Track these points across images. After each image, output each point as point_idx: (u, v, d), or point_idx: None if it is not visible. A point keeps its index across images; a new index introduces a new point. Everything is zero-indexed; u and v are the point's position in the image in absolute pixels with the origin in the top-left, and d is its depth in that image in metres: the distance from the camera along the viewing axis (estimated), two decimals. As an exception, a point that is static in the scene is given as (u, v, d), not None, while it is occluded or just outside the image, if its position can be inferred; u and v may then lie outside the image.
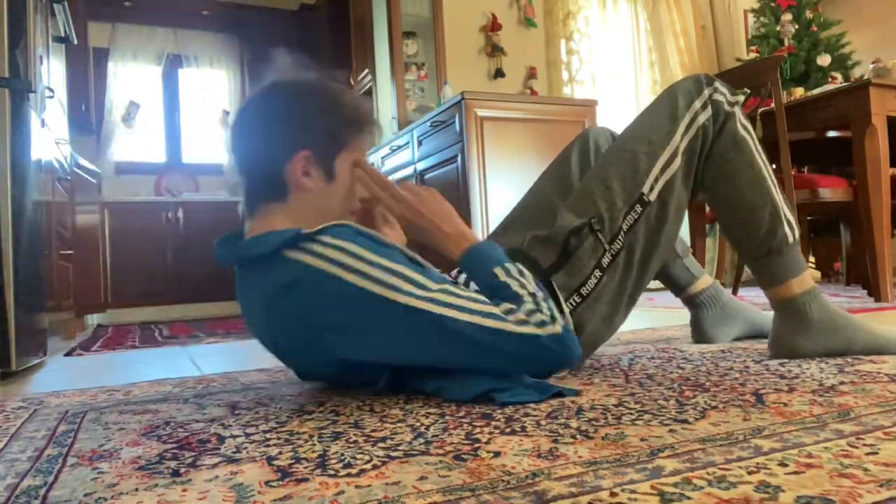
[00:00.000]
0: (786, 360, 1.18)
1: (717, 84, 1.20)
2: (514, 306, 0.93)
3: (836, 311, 1.21)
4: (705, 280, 1.47)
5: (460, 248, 1.02)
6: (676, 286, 1.48)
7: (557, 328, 0.92)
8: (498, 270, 0.98)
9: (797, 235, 1.22)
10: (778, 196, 1.21)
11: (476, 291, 1.00)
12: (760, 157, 1.21)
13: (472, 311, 0.90)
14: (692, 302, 1.48)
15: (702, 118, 1.17)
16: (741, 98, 1.24)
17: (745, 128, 1.21)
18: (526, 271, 1.00)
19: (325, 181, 1.03)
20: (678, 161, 1.15)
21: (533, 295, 0.95)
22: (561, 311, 0.98)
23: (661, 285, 1.52)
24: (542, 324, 0.92)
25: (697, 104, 1.17)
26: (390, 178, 3.59)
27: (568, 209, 1.15)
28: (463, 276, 1.17)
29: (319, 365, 1.05)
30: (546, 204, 1.33)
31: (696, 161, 1.18)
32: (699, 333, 1.48)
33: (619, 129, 1.36)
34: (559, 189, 1.34)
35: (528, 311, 0.92)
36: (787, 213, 1.21)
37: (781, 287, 1.21)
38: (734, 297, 1.52)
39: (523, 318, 0.91)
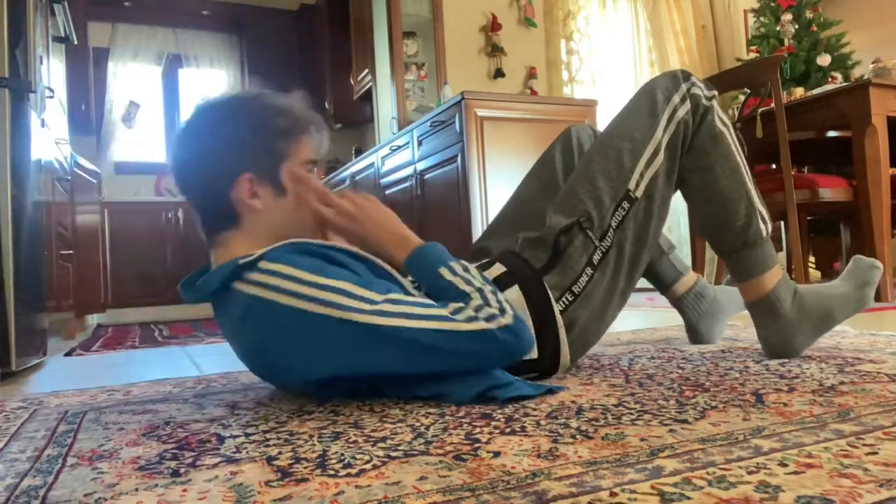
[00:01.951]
0: (786, 360, 1.18)
1: (694, 79, 1.21)
2: (461, 304, 0.92)
3: (804, 294, 1.23)
4: (690, 277, 1.47)
5: (404, 252, 1.02)
6: (662, 283, 1.47)
7: (507, 319, 0.92)
8: (443, 271, 0.97)
9: (770, 230, 1.24)
10: (753, 190, 1.23)
11: (426, 294, 1.01)
12: (737, 150, 1.23)
13: (419, 317, 0.90)
14: (679, 306, 1.48)
15: (681, 112, 1.18)
16: (716, 92, 1.24)
17: (722, 121, 1.22)
18: (471, 267, 1.00)
19: (274, 197, 1.01)
20: (661, 156, 1.16)
21: (480, 290, 0.95)
22: (509, 305, 0.97)
23: (649, 281, 1.51)
24: (491, 318, 0.91)
25: (676, 98, 1.18)
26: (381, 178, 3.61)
27: (556, 210, 1.15)
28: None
29: (298, 385, 1.05)
30: (533, 205, 1.33)
31: (678, 155, 1.19)
32: (693, 336, 1.48)
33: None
34: (545, 189, 1.34)
35: (476, 307, 0.92)
36: (761, 207, 1.23)
37: (756, 281, 1.22)
38: (718, 287, 1.51)
39: (472, 314, 0.91)
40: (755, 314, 1.25)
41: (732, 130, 1.24)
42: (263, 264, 0.92)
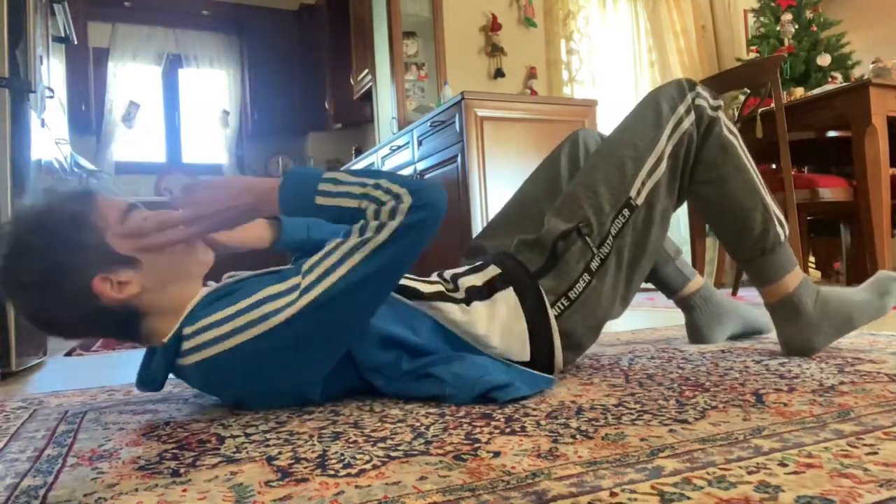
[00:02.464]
0: (786, 360, 1.18)
1: (700, 89, 1.21)
2: (361, 222, 0.89)
3: (827, 295, 1.24)
4: (697, 281, 1.48)
5: (273, 202, 0.91)
6: (669, 288, 1.48)
7: (406, 199, 0.87)
8: (320, 200, 0.90)
9: (787, 232, 1.24)
10: (767, 196, 1.23)
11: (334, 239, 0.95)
12: (748, 159, 1.23)
13: (339, 264, 0.86)
14: (685, 304, 1.49)
15: (686, 124, 1.18)
16: (722, 102, 1.24)
17: (730, 132, 1.22)
18: (339, 175, 0.92)
19: (136, 270, 0.91)
20: (664, 166, 1.16)
21: (364, 195, 0.89)
22: (397, 183, 0.90)
23: (655, 287, 1.52)
24: (393, 212, 0.87)
25: (681, 109, 1.18)
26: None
27: (555, 214, 1.14)
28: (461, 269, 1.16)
29: (298, 400, 1.00)
30: (534, 206, 1.33)
31: (680, 166, 1.19)
32: (695, 335, 1.48)
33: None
34: (548, 191, 1.34)
35: (374, 214, 0.88)
36: (776, 211, 1.23)
37: (777, 284, 1.23)
38: (726, 296, 1.52)
39: (375, 223, 0.87)
40: (777, 315, 1.26)
41: (740, 138, 1.24)
42: (185, 331, 0.90)
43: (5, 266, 0.89)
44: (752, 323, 1.52)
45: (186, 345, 0.90)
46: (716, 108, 1.21)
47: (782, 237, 1.22)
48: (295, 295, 0.86)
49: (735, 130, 1.24)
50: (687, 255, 4.03)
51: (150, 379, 0.96)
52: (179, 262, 0.96)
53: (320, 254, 0.89)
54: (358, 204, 0.89)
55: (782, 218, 1.24)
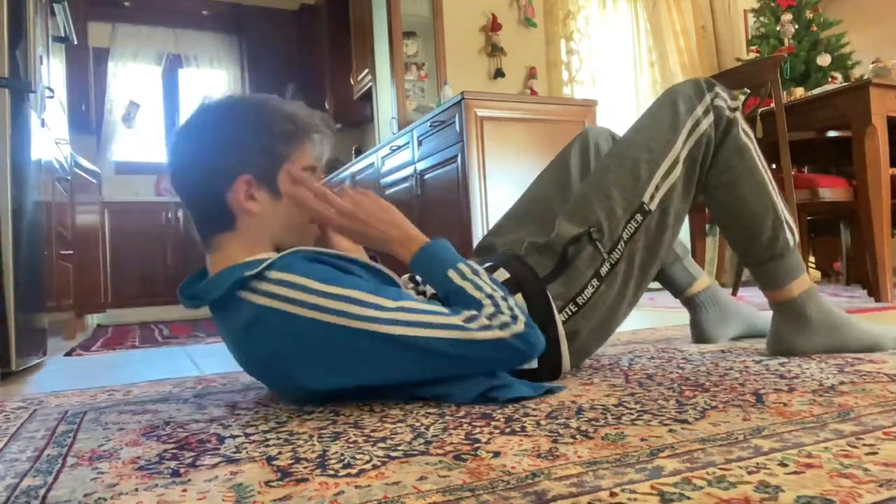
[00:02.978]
0: (786, 360, 1.18)
1: (718, 89, 1.19)
2: (474, 312, 0.91)
3: (832, 309, 1.24)
4: (703, 281, 1.48)
5: (410, 252, 0.99)
6: (675, 288, 1.48)
7: (521, 326, 0.91)
8: (452, 274, 0.95)
9: (797, 238, 1.23)
10: (779, 201, 1.22)
11: (433, 297, 1.01)
12: (761, 162, 1.22)
13: (433, 326, 0.89)
14: (691, 303, 1.49)
15: (704, 125, 1.16)
16: (740, 102, 1.23)
17: (746, 134, 1.21)
18: (480, 269, 0.98)
19: (271, 200, 0.98)
20: (679, 169, 1.14)
21: (491, 296, 0.93)
22: (520, 309, 0.96)
23: (661, 285, 1.52)
24: (504, 326, 0.90)
25: (699, 111, 1.16)
26: (379, 180, 3.61)
27: (566, 218, 1.13)
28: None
29: (304, 394, 1.02)
30: (544, 205, 1.32)
31: (697, 169, 1.17)
32: (699, 333, 1.48)
33: (618, 130, 1.35)
34: (558, 190, 1.33)
35: (489, 315, 0.91)
36: (787, 217, 1.22)
37: (783, 290, 1.22)
38: (732, 297, 1.52)
39: (486, 322, 0.90)
40: (779, 312, 1.25)
41: (755, 139, 1.23)
42: (273, 273, 0.91)
43: (207, 108, 1.00)
44: (756, 326, 1.52)
45: (266, 286, 0.90)
46: (734, 109, 1.19)
47: (791, 243, 1.21)
48: (381, 315, 0.88)
49: (750, 132, 1.22)
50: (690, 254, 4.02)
51: (205, 292, 0.97)
52: (298, 229, 1.02)
53: (425, 305, 0.92)
54: (481, 298, 0.93)
55: (792, 223, 1.23)
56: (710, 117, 1.17)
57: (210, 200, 0.98)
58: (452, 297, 0.95)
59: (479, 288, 0.94)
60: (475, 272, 0.97)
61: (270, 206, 0.98)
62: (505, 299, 0.94)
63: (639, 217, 1.12)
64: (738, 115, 1.20)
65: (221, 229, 0.99)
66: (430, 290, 1.09)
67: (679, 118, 1.15)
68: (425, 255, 0.99)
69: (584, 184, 1.18)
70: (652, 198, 1.13)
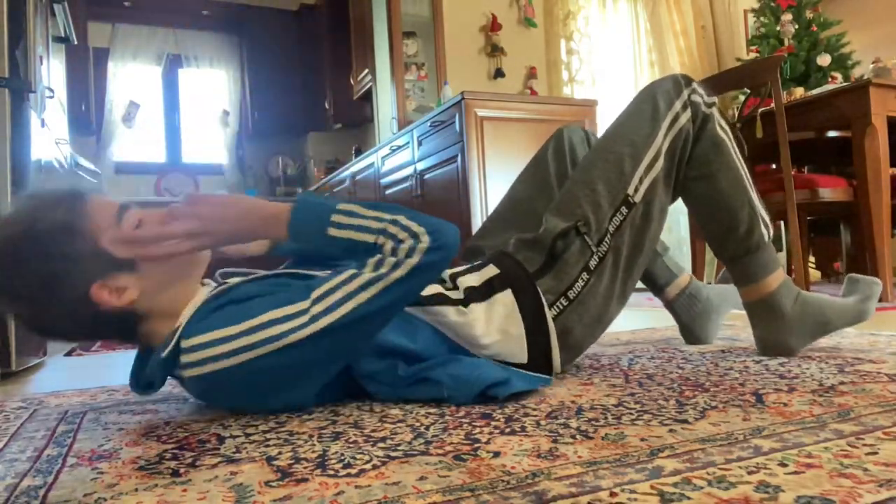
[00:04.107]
0: (785, 360, 1.18)
1: (695, 85, 1.22)
2: (378, 256, 0.88)
3: (806, 297, 1.25)
4: (684, 278, 1.48)
5: (282, 229, 0.91)
6: (656, 285, 1.48)
7: (424, 240, 0.88)
8: (332, 231, 0.89)
9: (772, 233, 1.25)
10: (754, 195, 1.24)
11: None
12: (738, 157, 1.24)
13: (352, 295, 0.86)
14: (671, 308, 1.49)
15: (682, 119, 1.18)
16: (716, 100, 1.24)
17: (722, 129, 1.23)
18: (354, 207, 0.91)
19: (134, 275, 0.90)
20: (661, 162, 1.16)
21: (382, 231, 0.89)
22: (415, 221, 0.90)
23: (642, 282, 1.51)
24: (411, 251, 0.87)
25: (678, 105, 1.18)
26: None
27: (553, 213, 1.14)
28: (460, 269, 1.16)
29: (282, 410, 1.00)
30: (527, 205, 1.33)
31: (676, 162, 1.19)
32: (690, 336, 1.49)
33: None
34: (538, 189, 1.34)
35: (392, 251, 0.87)
36: (762, 212, 1.24)
37: (759, 284, 1.24)
38: (711, 287, 1.51)
39: (393, 260, 0.87)
40: (754, 313, 1.26)
41: (732, 135, 1.24)
42: (184, 344, 0.87)
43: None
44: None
45: (185, 358, 0.87)
46: (710, 105, 1.22)
47: (766, 237, 1.23)
48: (303, 319, 0.85)
49: (727, 127, 1.24)
50: (687, 256, 4.03)
51: (145, 383, 0.94)
52: (177, 265, 0.94)
53: (332, 282, 0.88)
54: (374, 239, 0.89)
55: (767, 218, 1.25)
56: (688, 112, 1.19)
57: (99, 325, 0.92)
58: (351, 252, 0.91)
59: (367, 230, 0.89)
60: (351, 214, 0.90)
61: (140, 278, 0.91)
62: (395, 222, 0.89)
63: (624, 210, 1.13)
64: (714, 110, 1.22)
65: (135, 327, 0.94)
66: (461, 281, 1.09)
67: (659, 112, 1.17)
68: (296, 226, 0.91)
69: (570, 180, 1.19)
70: (636, 190, 1.14)
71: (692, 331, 1.48)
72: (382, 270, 0.87)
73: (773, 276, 1.23)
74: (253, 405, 0.97)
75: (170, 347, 0.87)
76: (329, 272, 0.94)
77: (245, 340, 0.85)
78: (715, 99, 1.24)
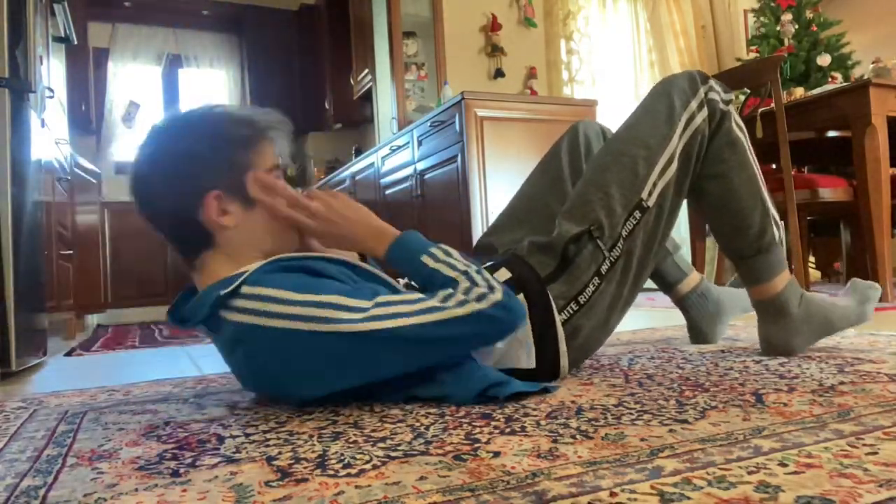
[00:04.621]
0: (785, 360, 1.18)
1: (712, 82, 1.20)
2: (450, 290, 0.91)
3: (811, 298, 1.25)
4: (694, 277, 1.48)
5: (382, 246, 1.00)
6: (666, 283, 1.47)
7: (498, 295, 0.91)
8: (424, 259, 0.96)
9: (782, 234, 1.25)
10: (767, 195, 1.23)
11: (411, 286, 1.02)
12: (752, 156, 1.23)
13: (412, 314, 0.88)
14: (682, 304, 1.48)
15: (698, 119, 1.16)
16: (733, 96, 1.24)
17: (739, 127, 1.22)
18: (451, 250, 0.99)
19: (245, 211, 0.97)
20: (675, 164, 1.15)
21: (465, 272, 0.94)
22: (497, 281, 0.95)
23: (652, 281, 1.51)
24: (481, 297, 0.90)
25: (694, 104, 1.17)
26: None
27: (566, 216, 1.13)
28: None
29: (297, 400, 1.01)
30: (540, 202, 1.32)
31: (692, 163, 1.17)
32: (696, 335, 1.48)
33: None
34: (551, 186, 1.34)
35: (465, 290, 0.91)
36: (774, 212, 1.24)
37: (767, 285, 1.24)
38: (721, 288, 1.51)
39: (462, 298, 0.90)
40: (762, 312, 1.26)
41: (747, 133, 1.24)
42: (245, 289, 0.90)
43: (158, 130, 0.98)
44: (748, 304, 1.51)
45: (241, 303, 0.90)
46: (727, 102, 1.20)
47: (777, 237, 1.23)
48: (359, 316, 0.87)
49: (743, 126, 1.23)
50: (687, 255, 4.01)
51: (181, 317, 0.97)
52: (279, 232, 1.01)
53: (399, 296, 0.91)
54: (455, 276, 0.94)
55: (778, 219, 1.25)
56: (705, 111, 1.17)
57: (183, 224, 0.97)
58: (428, 282, 0.96)
59: (452, 267, 0.95)
60: (447, 253, 0.98)
61: (245, 216, 0.97)
62: (479, 272, 0.95)
63: (637, 214, 1.12)
64: (732, 108, 1.21)
65: (202, 249, 0.98)
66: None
67: (674, 112, 1.15)
68: (398, 247, 0.99)
69: (583, 181, 1.18)
70: (650, 194, 1.13)
71: (700, 330, 1.47)
72: (448, 304, 0.90)
73: (781, 276, 1.23)
74: (261, 378, 0.97)
75: (231, 287, 0.90)
76: (396, 279, 1.01)
77: (301, 310, 0.87)
78: (732, 96, 1.21)
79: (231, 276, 0.93)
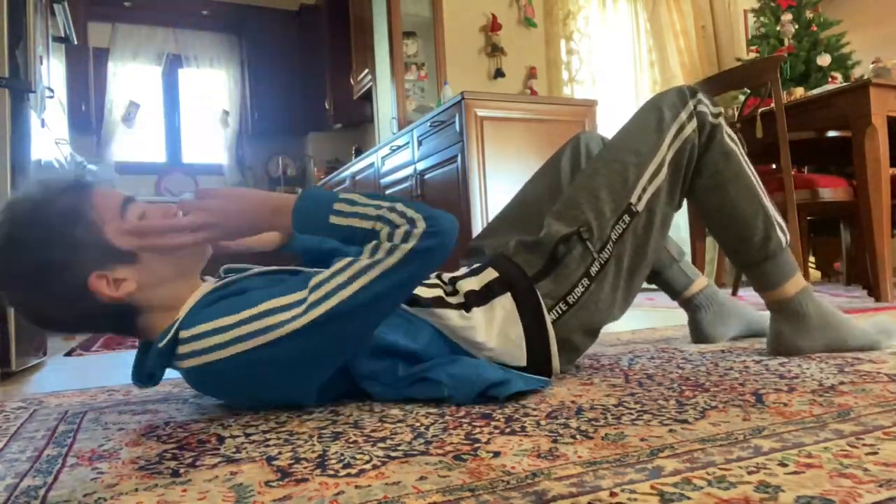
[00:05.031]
0: (785, 360, 1.18)
1: (701, 96, 1.21)
2: (374, 242, 0.88)
3: (829, 308, 1.25)
4: (701, 282, 1.48)
5: (287, 221, 0.92)
6: (673, 290, 1.48)
7: (420, 225, 0.87)
8: (334, 219, 0.90)
9: (788, 238, 1.25)
10: (768, 202, 1.23)
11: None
12: (748, 166, 1.24)
13: (348, 283, 0.85)
14: (689, 304, 1.49)
15: (688, 129, 1.18)
16: (721, 109, 1.24)
17: (731, 139, 1.23)
18: (355, 196, 0.92)
19: (134, 267, 0.90)
20: (664, 172, 1.16)
21: (379, 217, 0.89)
22: (412, 208, 0.90)
23: (660, 288, 1.52)
24: (407, 236, 0.87)
25: (683, 116, 1.18)
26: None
27: (555, 217, 1.14)
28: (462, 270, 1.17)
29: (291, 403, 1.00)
30: (534, 208, 1.33)
31: (682, 173, 1.19)
32: (698, 334, 1.48)
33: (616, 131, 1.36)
34: (548, 193, 1.34)
35: (388, 236, 0.88)
36: (777, 218, 1.24)
37: (778, 290, 1.24)
38: (731, 297, 1.53)
39: (388, 245, 0.87)
40: (776, 312, 1.26)
41: (740, 144, 1.24)
42: (182, 334, 0.88)
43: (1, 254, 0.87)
44: (754, 325, 1.53)
45: (183, 349, 0.88)
46: (717, 115, 1.22)
47: (783, 242, 1.23)
48: (300, 309, 0.85)
49: (735, 137, 1.25)
50: (687, 256, 4.00)
51: (146, 375, 0.94)
52: (179, 259, 0.95)
53: (329, 271, 0.88)
54: (372, 225, 0.89)
55: (783, 224, 1.24)
56: (694, 122, 1.18)
57: (95, 318, 0.92)
58: (350, 240, 0.92)
59: (365, 217, 0.90)
60: (352, 202, 0.91)
61: (139, 271, 0.91)
62: (392, 209, 0.89)
63: (626, 218, 1.13)
64: (721, 120, 1.22)
65: (132, 320, 0.94)
66: (461, 285, 1.09)
67: (664, 122, 1.17)
68: (300, 215, 0.92)
69: (573, 185, 1.19)
70: (639, 199, 1.14)
71: (703, 329, 1.48)
72: (378, 256, 0.87)
73: (793, 280, 1.23)
74: (249, 399, 0.97)
75: (168, 338, 0.87)
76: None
77: (242, 330, 0.85)
78: (721, 109, 1.24)
79: (166, 328, 0.90)
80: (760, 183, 1.24)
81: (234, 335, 0.85)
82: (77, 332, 0.96)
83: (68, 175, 0.95)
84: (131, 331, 0.96)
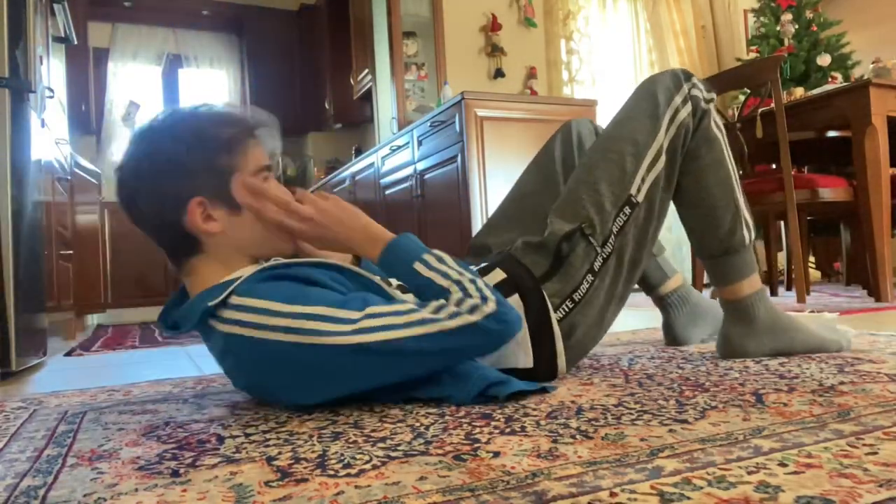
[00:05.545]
0: (785, 360, 1.18)
1: (695, 80, 1.21)
2: (442, 301, 0.90)
3: (780, 312, 1.25)
4: (677, 279, 1.48)
5: (376, 250, 0.97)
6: (648, 284, 1.48)
7: (491, 306, 0.89)
8: (417, 266, 0.94)
9: (753, 237, 1.24)
10: (740, 197, 1.23)
11: (401, 288, 1.01)
12: (729, 157, 1.23)
13: (402, 326, 0.87)
14: (662, 303, 1.49)
15: (683, 114, 1.17)
16: (714, 96, 1.24)
17: (717, 126, 1.22)
18: (446, 257, 0.96)
19: (231, 216, 0.95)
20: (663, 159, 1.16)
21: (458, 282, 0.92)
22: (489, 290, 0.93)
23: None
24: (474, 309, 0.88)
25: (678, 100, 1.17)
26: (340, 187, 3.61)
27: (557, 214, 1.14)
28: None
29: (287, 403, 1.01)
30: (534, 201, 1.32)
31: (678, 158, 1.18)
32: (671, 336, 1.49)
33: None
34: (544, 184, 1.34)
35: (457, 301, 0.89)
36: (747, 215, 1.23)
37: (733, 287, 1.24)
38: (703, 296, 1.52)
39: (454, 310, 0.88)
40: (728, 312, 1.26)
41: (725, 134, 1.24)
42: (234, 299, 0.89)
43: (142, 135, 0.95)
44: None
45: (229, 314, 0.89)
46: (708, 101, 1.21)
47: (747, 240, 1.22)
48: (348, 328, 0.86)
49: (721, 126, 1.24)
50: (687, 256, 4.02)
51: (172, 322, 0.96)
52: (267, 238, 0.98)
53: (390, 307, 0.89)
54: (448, 285, 0.91)
55: (751, 222, 1.24)
56: (689, 106, 1.18)
57: (168, 230, 0.95)
58: (421, 290, 0.94)
59: (445, 276, 0.93)
60: (440, 260, 0.95)
61: (231, 221, 0.95)
62: (473, 282, 0.92)
63: (627, 210, 1.13)
64: (712, 106, 1.22)
65: (190, 254, 0.97)
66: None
67: (659, 108, 1.16)
68: (391, 252, 0.97)
69: (573, 179, 1.18)
70: (639, 190, 1.14)
71: (675, 330, 1.48)
72: (440, 315, 0.88)
73: (749, 280, 1.23)
74: (257, 385, 0.97)
75: (220, 298, 0.89)
76: (387, 281, 0.99)
77: (290, 322, 0.86)
78: (714, 95, 1.22)
79: (220, 283, 0.92)
80: (737, 176, 1.24)
81: (282, 324, 0.86)
82: (144, 227, 0.98)
83: (251, 117, 0.99)
84: (181, 263, 0.98)
